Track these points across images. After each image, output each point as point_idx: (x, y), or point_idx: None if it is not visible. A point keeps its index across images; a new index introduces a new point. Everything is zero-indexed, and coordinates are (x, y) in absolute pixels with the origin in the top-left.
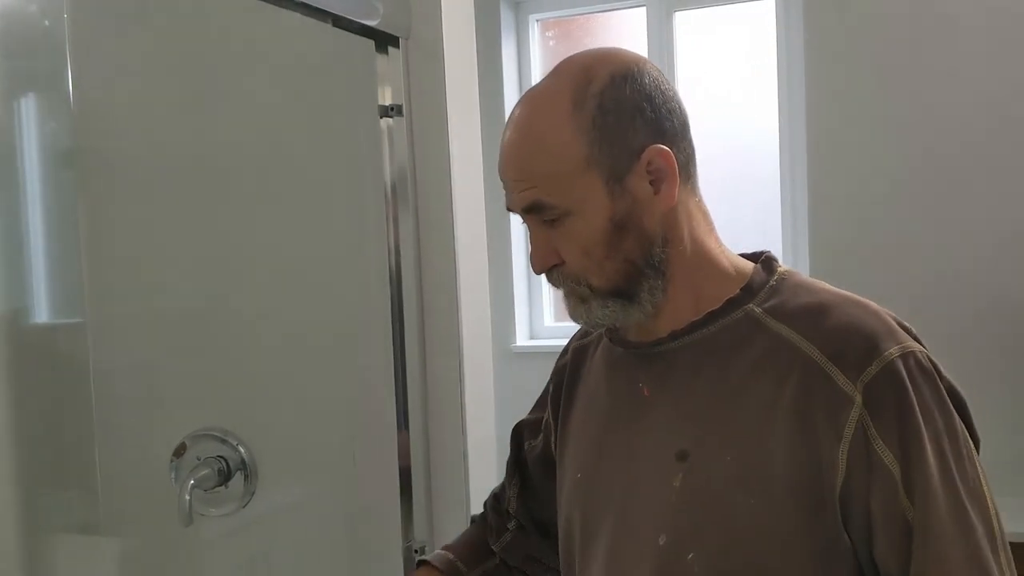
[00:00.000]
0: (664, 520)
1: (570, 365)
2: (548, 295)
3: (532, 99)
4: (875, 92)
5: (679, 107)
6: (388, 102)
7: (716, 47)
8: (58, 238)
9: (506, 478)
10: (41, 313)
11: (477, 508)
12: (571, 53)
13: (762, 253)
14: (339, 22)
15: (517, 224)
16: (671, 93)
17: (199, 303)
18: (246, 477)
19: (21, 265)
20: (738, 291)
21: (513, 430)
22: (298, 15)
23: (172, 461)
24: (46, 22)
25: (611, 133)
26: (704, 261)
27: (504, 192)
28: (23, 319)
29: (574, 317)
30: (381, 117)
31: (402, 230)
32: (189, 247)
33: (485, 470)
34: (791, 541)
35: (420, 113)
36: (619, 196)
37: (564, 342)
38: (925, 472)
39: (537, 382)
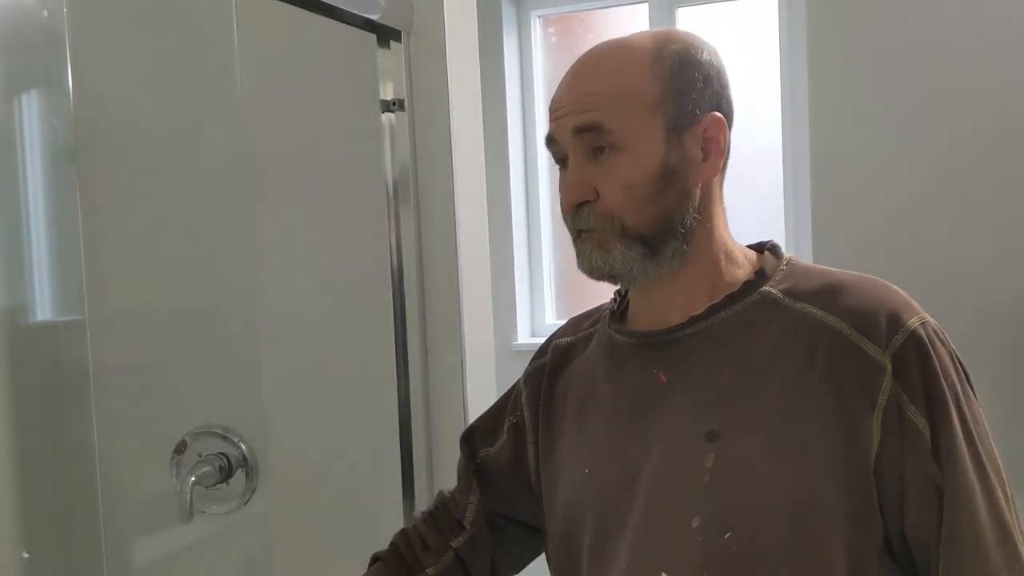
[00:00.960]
0: (696, 502)
1: (550, 364)
2: (549, 293)
3: (609, 43)
4: (878, 87)
5: (733, 104)
6: (390, 97)
7: (718, 42)
8: (58, 235)
9: (458, 488)
10: (43, 310)
11: None
12: (573, 49)
13: (766, 242)
14: (341, 16)
15: (519, 221)
16: (730, 87)
17: (199, 300)
18: (247, 474)
19: (21, 262)
20: (753, 275)
21: (463, 438)
22: (299, 9)
23: (173, 458)
24: (44, 13)
25: (683, 87)
26: (722, 246)
27: (552, 122)
28: (23, 316)
29: (587, 264)
30: (383, 112)
31: (404, 226)
32: (188, 244)
33: None
34: (828, 513)
35: (422, 108)
36: (674, 147)
37: None
38: (951, 435)
39: None
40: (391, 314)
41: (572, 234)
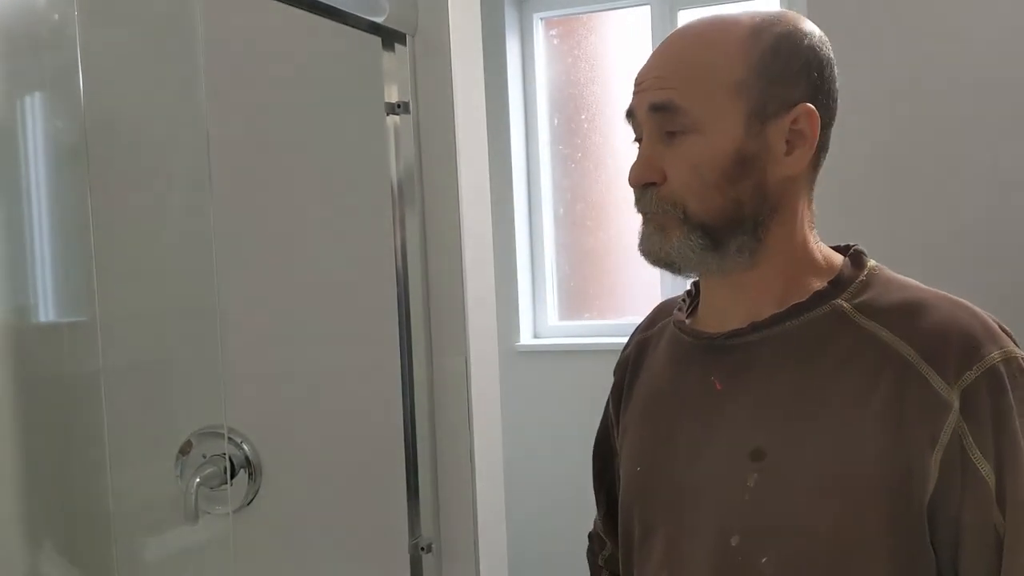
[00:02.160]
0: (736, 521)
1: (632, 358)
2: (552, 293)
3: (705, 18)
4: (876, 91)
5: (837, 98)
6: (395, 99)
7: None
8: (64, 237)
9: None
10: (47, 312)
11: (483, 506)
12: (575, 51)
13: (850, 246)
14: (346, 19)
15: (522, 223)
16: (836, 81)
17: (204, 301)
18: (250, 475)
19: (25, 264)
20: (826, 284)
21: (594, 447)
22: (305, 12)
23: (178, 459)
24: (55, 16)
25: (774, 74)
26: (802, 250)
27: (634, 95)
28: (28, 317)
29: (646, 247)
30: (388, 114)
31: (408, 227)
32: (195, 245)
33: (491, 466)
34: (872, 547)
35: (427, 110)
36: (754, 136)
37: (568, 341)
38: (1018, 484)
39: (541, 381)
40: (396, 315)
41: (639, 213)
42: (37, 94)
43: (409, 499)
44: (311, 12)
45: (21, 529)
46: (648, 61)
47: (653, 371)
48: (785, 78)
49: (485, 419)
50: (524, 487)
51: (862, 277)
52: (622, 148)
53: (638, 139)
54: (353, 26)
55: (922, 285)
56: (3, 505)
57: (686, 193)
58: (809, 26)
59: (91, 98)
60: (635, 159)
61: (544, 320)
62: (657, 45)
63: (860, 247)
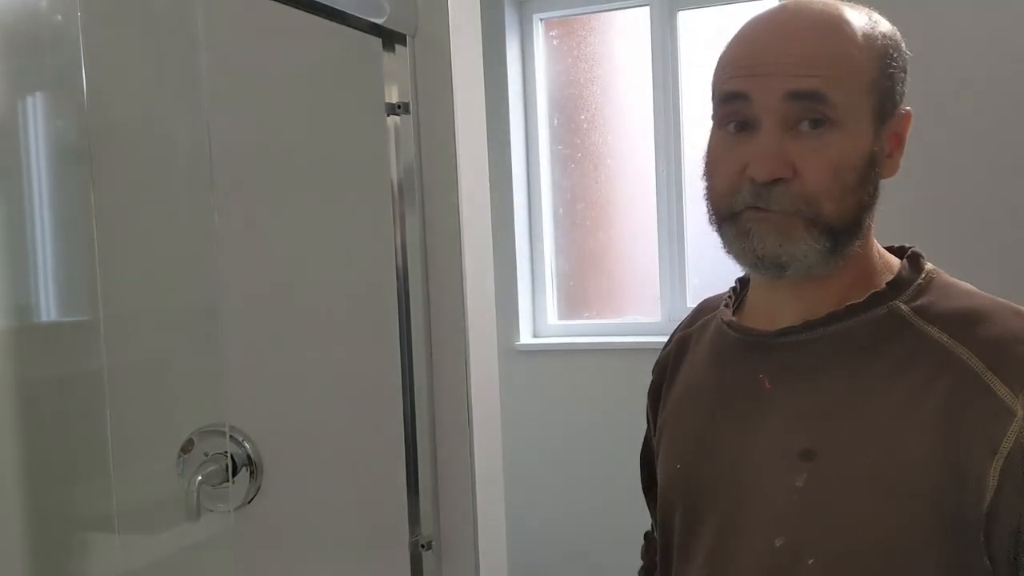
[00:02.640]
0: (782, 522)
1: (673, 355)
2: (551, 293)
3: (818, 5)
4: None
5: None
6: (395, 100)
7: (719, 47)
8: (66, 236)
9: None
10: (48, 311)
11: (483, 503)
12: (575, 52)
13: (907, 248)
14: (346, 20)
15: (521, 223)
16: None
17: (207, 300)
18: (252, 473)
19: (27, 264)
20: (884, 286)
21: (640, 454)
22: (305, 13)
23: (180, 457)
24: (58, 17)
25: (891, 75)
26: (868, 252)
27: (755, 77)
28: (29, 317)
29: (759, 246)
30: (388, 115)
31: (409, 227)
32: (197, 244)
33: (491, 464)
34: (922, 554)
35: (427, 111)
36: (877, 137)
37: (567, 340)
38: None
39: (540, 380)
40: (396, 315)
41: (728, 211)
42: (39, 94)
43: (409, 497)
44: (312, 13)
45: (23, 528)
46: (766, 43)
47: (695, 368)
48: (897, 81)
49: (485, 417)
50: (524, 485)
51: (920, 280)
52: (622, 148)
53: (737, 124)
54: (354, 27)
55: (980, 291)
56: (5, 504)
57: (822, 193)
58: (896, 30)
59: (93, 98)
60: (759, 149)
61: (544, 319)
62: (654, 45)
63: (917, 249)
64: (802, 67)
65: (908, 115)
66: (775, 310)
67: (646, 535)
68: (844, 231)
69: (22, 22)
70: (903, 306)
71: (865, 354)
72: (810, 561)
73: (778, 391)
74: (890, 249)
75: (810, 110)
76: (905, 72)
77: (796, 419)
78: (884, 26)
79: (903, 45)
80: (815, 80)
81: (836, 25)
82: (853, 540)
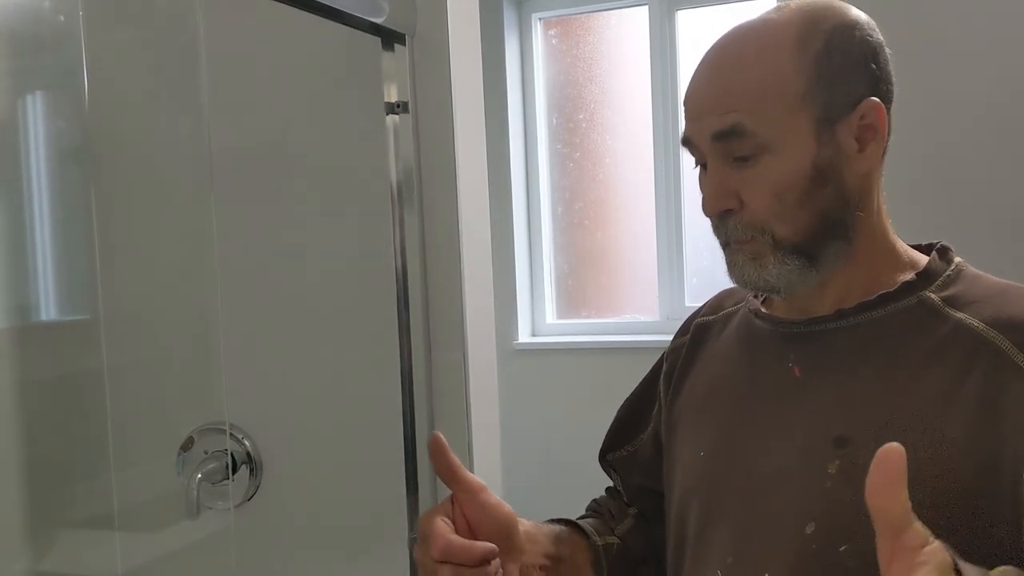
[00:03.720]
0: (814, 508)
1: (689, 343)
2: (550, 292)
3: (748, 27)
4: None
5: (893, 80)
6: (394, 99)
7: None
8: (66, 236)
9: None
10: (48, 311)
11: None
12: (573, 51)
13: (935, 243)
14: (345, 20)
15: (520, 222)
16: (890, 63)
17: (206, 299)
18: (251, 471)
19: (27, 263)
20: (914, 275)
21: (601, 460)
22: (304, 12)
23: (180, 455)
24: (61, 18)
25: (834, 74)
26: (883, 240)
27: (688, 121)
28: (29, 316)
29: (739, 276)
30: (387, 114)
31: (407, 227)
32: (196, 243)
33: (489, 463)
34: (958, 542)
35: (426, 110)
36: (826, 142)
37: (565, 339)
38: None
39: (539, 378)
40: (395, 314)
41: (720, 241)
42: (39, 94)
43: (408, 494)
44: (311, 12)
45: (23, 526)
46: (697, 83)
47: (718, 357)
48: (845, 76)
49: (483, 416)
50: (522, 484)
51: (949, 271)
52: (620, 147)
53: (700, 165)
54: (352, 26)
55: (1008, 281)
56: (5, 502)
57: (770, 217)
58: (854, 13)
59: (94, 98)
60: (706, 187)
61: (542, 318)
62: (653, 45)
63: (945, 243)
64: (721, 105)
65: (873, 106)
66: (805, 301)
67: (593, 499)
68: (814, 243)
69: (24, 22)
70: (933, 295)
71: (897, 343)
72: (843, 548)
73: (809, 379)
74: (917, 247)
75: (736, 145)
76: (865, 61)
77: (829, 407)
78: (831, 20)
79: (867, 30)
80: (733, 116)
81: (757, 49)
82: None
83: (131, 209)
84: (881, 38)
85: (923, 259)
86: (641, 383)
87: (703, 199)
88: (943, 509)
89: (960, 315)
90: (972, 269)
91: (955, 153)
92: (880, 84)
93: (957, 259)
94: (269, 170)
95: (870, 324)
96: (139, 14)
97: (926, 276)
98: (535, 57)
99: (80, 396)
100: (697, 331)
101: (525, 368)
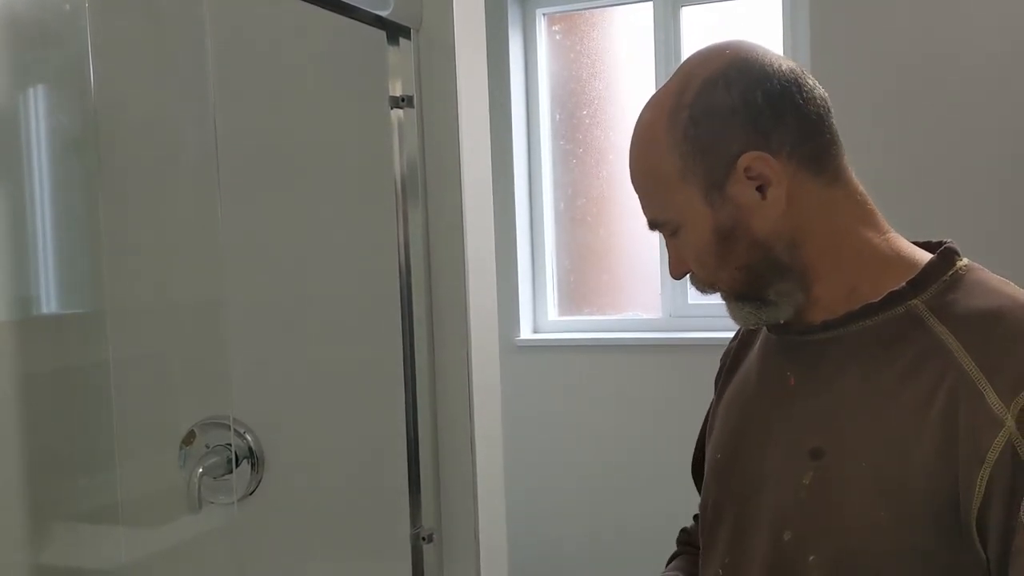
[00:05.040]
0: (790, 516)
1: (735, 349)
2: (552, 289)
3: (644, 112)
4: (882, 87)
5: (807, 97)
6: (399, 93)
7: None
8: (69, 229)
9: None
10: (49, 304)
11: (484, 497)
12: (577, 47)
13: (943, 243)
14: (351, 13)
15: (523, 218)
16: (791, 86)
17: (209, 293)
18: (253, 465)
19: (28, 256)
20: (903, 284)
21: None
22: (310, 6)
23: (182, 449)
24: (67, 7)
25: (703, 144)
26: (858, 251)
27: None
28: (31, 309)
29: (737, 319)
30: (392, 108)
31: (411, 221)
32: (201, 237)
33: (492, 459)
34: (919, 559)
35: (430, 105)
36: (720, 206)
37: (567, 336)
38: None
39: (540, 375)
40: (398, 309)
41: None
42: (42, 86)
43: (410, 490)
44: (317, 5)
45: (26, 519)
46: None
47: (748, 363)
48: (715, 141)
49: (486, 411)
50: (524, 479)
51: (946, 277)
52: (623, 144)
53: None
54: (358, 20)
55: (1014, 291)
56: (8, 495)
57: (707, 277)
58: (720, 64)
59: (100, 90)
60: (668, 257)
61: (544, 315)
62: (657, 41)
63: (953, 244)
64: (642, 201)
65: (752, 159)
66: (801, 311)
67: (683, 528)
68: (750, 290)
69: (30, 13)
70: (921, 305)
71: (880, 355)
72: (811, 557)
73: (800, 389)
74: (932, 245)
75: (663, 229)
76: (735, 117)
77: (810, 417)
78: (694, 86)
79: (719, 90)
80: (649, 211)
81: (641, 143)
82: (853, 540)
83: (135, 202)
84: (757, 74)
85: (923, 261)
86: None
87: (668, 267)
88: (908, 524)
89: (941, 328)
90: (976, 273)
91: (968, 149)
92: (765, 126)
93: (961, 262)
94: (273, 163)
95: (855, 334)
96: (145, 5)
97: (916, 284)
98: (539, 53)
99: (83, 389)
100: (743, 337)
101: (527, 365)
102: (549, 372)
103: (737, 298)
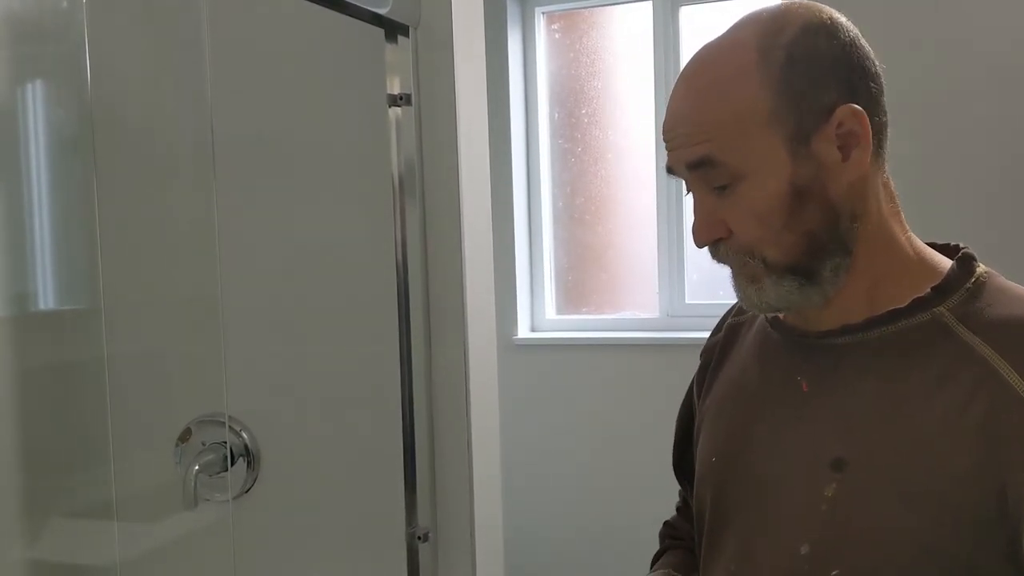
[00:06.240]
0: (809, 529)
1: (722, 343)
2: (550, 287)
3: (712, 49)
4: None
5: (877, 71)
6: (397, 91)
7: None
8: (65, 225)
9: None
10: (46, 300)
11: (480, 496)
12: (576, 45)
13: (957, 247)
14: (349, 10)
15: (520, 216)
16: (869, 55)
17: (206, 290)
18: (249, 463)
19: (26, 252)
20: (928, 290)
21: (675, 431)
22: (308, 3)
23: (178, 446)
24: (64, 4)
25: (800, 87)
26: (888, 246)
27: (668, 152)
28: (28, 305)
29: (743, 299)
30: (390, 106)
31: (409, 219)
32: (197, 234)
33: (488, 458)
34: (952, 569)
35: (428, 103)
36: (803, 159)
37: (565, 335)
38: None
39: (538, 374)
40: (395, 306)
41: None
42: (40, 81)
43: (406, 488)
44: (315, 3)
45: (21, 514)
46: (668, 115)
47: (739, 361)
48: (813, 87)
49: (483, 410)
50: (520, 478)
51: (969, 285)
52: (622, 143)
53: (690, 191)
54: (356, 17)
55: None
56: (4, 490)
57: (757, 243)
58: (819, 14)
59: (97, 86)
60: (695, 218)
61: (542, 314)
62: (656, 41)
63: (969, 250)
64: (691, 137)
65: (850, 112)
66: (813, 312)
67: (665, 522)
68: (806, 262)
69: (27, 8)
70: (947, 313)
71: (905, 362)
72: (834, 573)
73: (815, 395)
74: (943, 247)
75: (710, 175)
76: (836, 67)
77: (830, 426)
78: (792, 30)
79: (834, 30)
80: (703, 148)
81: (718, 72)
82: (879, 554)
83: (132, 198)
84: (853, 33)
85: (943, 266)
86: (689, 387)
87: (693, 230)
88: (941, 535)
89: (973, 338)
90: (996, 280)
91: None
92: (858, 86)
93: (980, 269)
94: (271, 161)
95: (878, 341)
96: (143, 2)
97: (942, 291)
98: (538, 51)
99: (79, 386)
100: (728, 331)
101: (524, 363)
102: (547, 371)
103: (784, 270)
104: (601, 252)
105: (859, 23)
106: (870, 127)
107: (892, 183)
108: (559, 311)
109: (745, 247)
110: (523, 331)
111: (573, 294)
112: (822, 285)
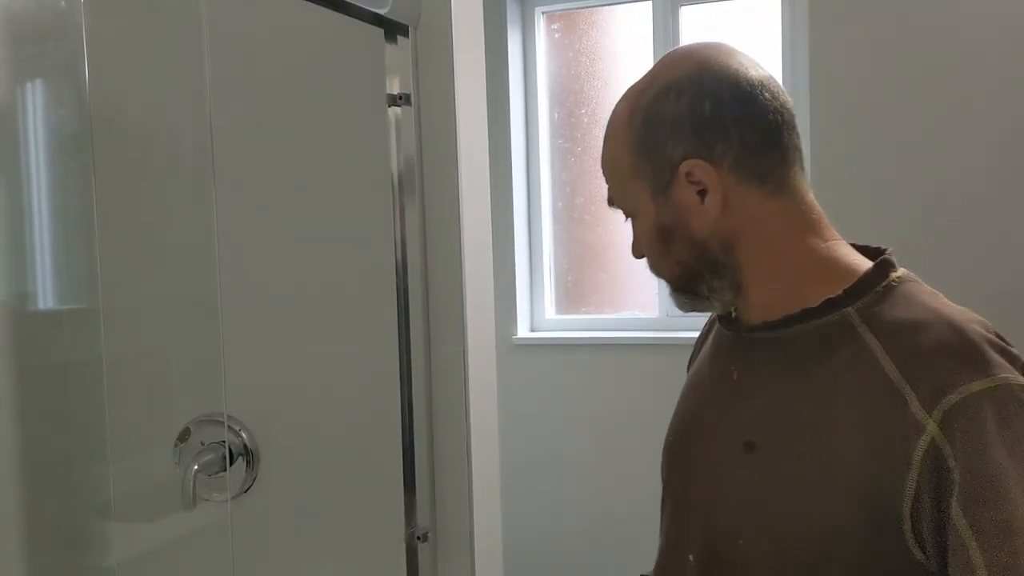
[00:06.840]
0: (724, 504)
1: (699, 341)
2: (550, 287)
3: (617, 103)
4: (881, 86)
5: (753, 114)
6: (396, 91)
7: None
8: (66, 225)
9: None
10: (46, 299)
11: (479, 496)
12: (576, 45)
13: (882, 252)
14: (349, 10)
15: (520, 216)
16: (740, 101)
17: (205, 290)
18: (248, 463)
19: (25, 251)
20: (840, 292)
21: None
22: (308, 2)
23: (176, 446)
24: (62, 3)
25: (652, 146)
26: (797, 259)
27: None
28: (28, 304)
29: (676, 305)
30: (389, 106)
31: (408, 219)
32: (197, 234)
33: (488, 458)
34: (846, 555)
35: (428, 103)
36: (663, 205)
37: (565, 335)
38: (983, 515)
39: (538, 374)
40: (395, 306)
41: None
42: (39, 81)
43: (405, 488)
44: (314, 3)
45: (20, 515)
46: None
47: (702, 356)
48: (660, 145)
49: (482, 410)
50: (520, 478)
51: (879, 288)
52: None
53: None
54: (356, 17)
55: (940, 303)
56: (3, 491)
57: (654, 266)
58: (681, 71)
59: (95, 86)
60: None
61: (541, 313)
62: (656, 41)
63: (890, 256)
64: (606, 180)
65: (692, 166)
66: (741, 311)
67: None
68: (685, 284)
69: (25, 8)
70: (854, 313)
71: (812, 359)
72: (740, 541)
73: (742, 384)
74: (869, 249)
75: (621, 210)
76: (679, 127)
77: (747, 413)
78: (652, 90)
79: (669, 99)
80: (610, 191)
81: (610, 129)
82: (781, 532)
83: (131, 198)
84: (714, 89)
85: (863, 269)
86: None
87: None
88: (833, 521)
89: (870, 337)
90: (908, 285)
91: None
92: (706, 137)
93: (896, 273)
94: (270, 160)
95: (794, 337)
96: (142, 2)
97: (852, 292)
98: (537, 51)
99: (78, 385)
100: (706, 329)
101: (524, 363)
102: (546, 370)
103: (676, 289)
104: (601, 252)
105: (868, 25)
106: (716, 175)
107: (806, 200)
108: (559, 311)
109: (651, 267)
110: (523, 331)
111: (573, 294)
112: (709, 300)
